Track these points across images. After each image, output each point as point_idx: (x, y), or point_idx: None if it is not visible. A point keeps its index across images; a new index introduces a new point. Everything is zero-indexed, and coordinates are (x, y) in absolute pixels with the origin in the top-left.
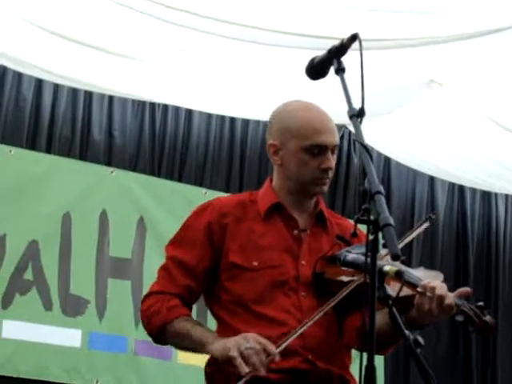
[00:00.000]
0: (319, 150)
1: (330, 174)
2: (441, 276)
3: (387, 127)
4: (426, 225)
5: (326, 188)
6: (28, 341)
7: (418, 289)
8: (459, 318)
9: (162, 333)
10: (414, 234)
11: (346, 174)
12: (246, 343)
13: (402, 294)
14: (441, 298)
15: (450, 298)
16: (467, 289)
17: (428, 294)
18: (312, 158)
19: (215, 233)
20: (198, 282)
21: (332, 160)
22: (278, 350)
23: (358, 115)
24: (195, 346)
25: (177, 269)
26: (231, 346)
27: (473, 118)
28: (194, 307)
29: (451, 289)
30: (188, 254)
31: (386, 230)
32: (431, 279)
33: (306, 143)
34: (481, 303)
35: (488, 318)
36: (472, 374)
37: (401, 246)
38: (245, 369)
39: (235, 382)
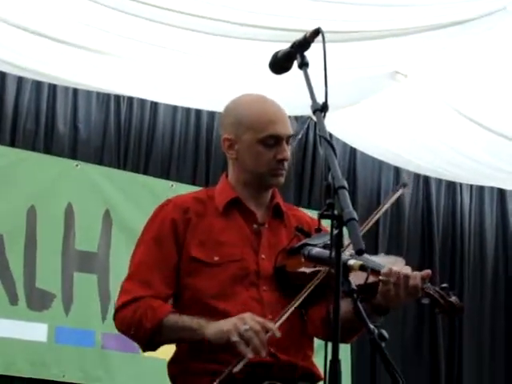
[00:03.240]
0: (274, 141)
1: (286, 165)
2: (402, 261)
3: (352, 118)
4: (400, 191)
5: (282, 179)
6: None
7: (381, 277)
8: (425, 301)
9: (155, 333)
10: (390, 202)
11: (311, 165)
12: (245, 325)
13: (368, 281)
14: (406, 279)
15: (416, 278)
16: (428, 271)
17: (391, 279)
18: (267, 149)
19: (179, 229)
20: (170, 279)
21: (287, 150)
22: (277, 325)
23: (321, 110)
24: (189, 335)
25: (146, 271)
26: (230, 329)
27: (438, 108)
28: None
29: None
30: (156, 253)
31: (351, 225)
32: (392, 264)
33: (260, 135)
34: (445, 285)
35: (453, 298)
36: (439, 359)
37: (379, 214)
38: (249, 353)
39: (233, 366)
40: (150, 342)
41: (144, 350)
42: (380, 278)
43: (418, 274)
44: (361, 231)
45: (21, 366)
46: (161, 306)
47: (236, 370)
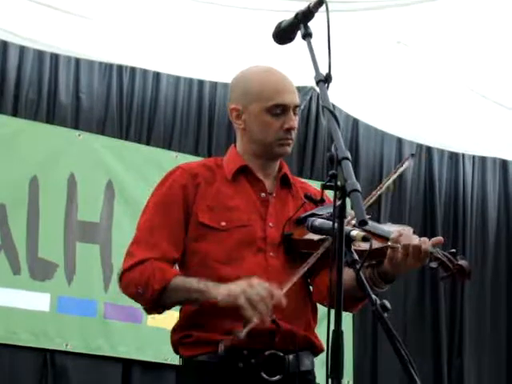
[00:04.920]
0: (281, 111)
1: (293, 134)
2: (410, 229)
3: (355, 89)
4: (408, 162)
5: (289, 149)
6: None
7: (389, 243)
8: (433, 265)
9: (163, 294)
10: (398, 173)
11: (314, 136)
12: (252, 289)
13: (374, 247)
14: (417, 248)
15: (425, 243)
16: (440, 238)
17: (400, 247)
18: (274, 118)
19: (189, 193)
20: (177, 242)
21: (294, 120)
22: (283, 291)
23: (324, 80)
24: (196, 297)
25: (153, 234)
26: (238, 292)
27: (440, 79)
28: None
29: None
30: (163, 216)
31: (353, 196)
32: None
33: (267, 104)
34: (453, 250)
35: (462, 261)
36: (440, 325)
37: (389, 182)
38: (254, 317)
39: (238, 332)
40: (156, 303)
41: (149, 313)
42: (389, 243)
43: (427, 240)
44: (371, 198)
45: (23, 336)
46: (167, 268)
47: (242, 335)
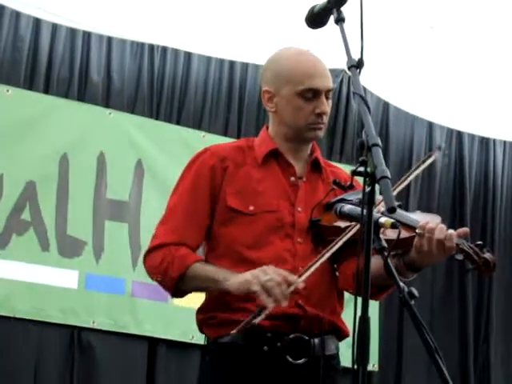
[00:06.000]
0: (313, 95)
1: (325, 118)
2: (438, 218)
3: (387, 72)
4: (433, 158)
5: (321, 133)
6: (25, 281)
7: (417, 230)
8: (458, 257)
9: (180, 282)
10: (420, 168)
11: (344, 119)
12: (266, 275)
13: (401, 236)
14: (441, 240)
15: (451, 239)
16: (466, 229)
17: (426, 235)
18: (306, 102)
19: (217, 177)
20: (201, 228)
21: (326, 104)
22: (301, 278)
23: (356, 66)
24: (211, 285)
25: (179, 218)
26: (251, 279)
27: (472, 64)
28: None
29: None
30: (190, 200)
31: (383, 183)
32: (429, 220)
33: (299, 88)
34: (479, 242)
35: (487, 254)
36: (467, 316)
37: (408, 180)
38: (270, 303)
39: (253, 316)
40: (176, 290)
41: (172, 296)
42: (416, 231)
43: (453, 233)
44: (397, 187)
45: (51, 312)
46: (187, 255)
47: (256, 321)
